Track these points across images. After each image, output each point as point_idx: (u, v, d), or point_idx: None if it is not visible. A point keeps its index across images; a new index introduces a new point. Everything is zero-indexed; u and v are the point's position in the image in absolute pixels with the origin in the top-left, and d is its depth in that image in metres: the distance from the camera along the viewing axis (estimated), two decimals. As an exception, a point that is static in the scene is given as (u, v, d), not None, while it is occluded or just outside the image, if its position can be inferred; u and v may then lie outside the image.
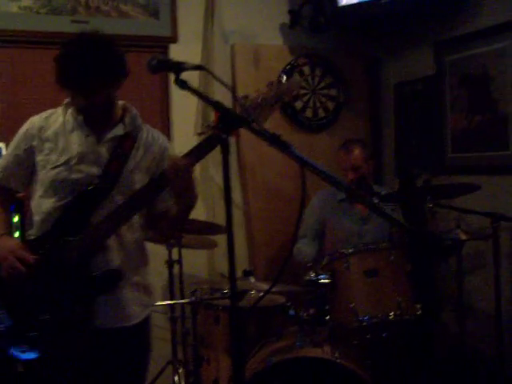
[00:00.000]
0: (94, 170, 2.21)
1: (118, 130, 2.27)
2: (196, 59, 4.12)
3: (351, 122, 4.58)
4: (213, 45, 4.09)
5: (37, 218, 2.24)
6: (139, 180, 2.25)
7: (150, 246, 3.66)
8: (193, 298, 3.21)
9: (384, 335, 3.01)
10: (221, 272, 4.03)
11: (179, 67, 1.78)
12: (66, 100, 2.29)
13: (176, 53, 4.11)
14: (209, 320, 3.31)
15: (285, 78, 1.87)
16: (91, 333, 2.20)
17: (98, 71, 2.12)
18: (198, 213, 4.06)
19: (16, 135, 2.33)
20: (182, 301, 3.44)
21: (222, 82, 1.78)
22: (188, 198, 2.21)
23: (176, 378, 3.64)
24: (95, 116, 2.25)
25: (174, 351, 3.74)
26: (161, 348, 3.99)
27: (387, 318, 2.92)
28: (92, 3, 3.99)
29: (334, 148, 3.93)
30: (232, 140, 4.08)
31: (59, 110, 2.31)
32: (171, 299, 3.67)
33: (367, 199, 1.52)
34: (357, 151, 3.64)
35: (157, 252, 3.78)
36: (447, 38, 3.88)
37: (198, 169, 4.20)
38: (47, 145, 2.23)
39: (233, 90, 1.86)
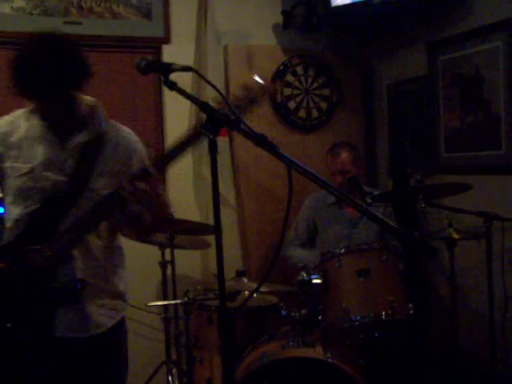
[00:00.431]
0: (61, 178, 2.16)
1: (83, 136, 2.19)
2: (189, 60, 4.12)
3: (344, 122, 4.59)
4: (206, 45, 4.09)
5: (7, 224, 2.20)
6: (107, 184, 2.18)
7: (143, 247, 3.70)
8: (186, 299, 3.22)
9: (376, 335, 3.01)
10: (214, 273, 4.02)
11: (168, 68, 1.78)
12: (31, 104, 2.20)
13: (169, 53, 4.12)
14: (202, 320, 3.31)
15: (256, 78, 1.83)
16: (54, 344, 2.15)
17: (54, 75, 2.01)
18: (192, 213, 4.07)
19: None
20: (175, 301, 3.44)
21: (209, 83, 1.78)
22: (157, 209, 2.16)
23: (170, 379, 3.65)
24: (59, 121, 2.18)
25: (167, 352, 3.74)
26: (154, 348, 4.02)
27: (379, 317, 2.91)
28: (85, 4, 3.99)
29: (327, 148, 3.93)
30: (226, 141, 4.09)
31: (23, 113, 2.23)
32: (164, 300, 3.67)
33: (357, 202, 1.51)
34: (344, 155, 3.65)
35: (150, 253, 3.80)
36: (439, 39, 3.89)
37: (191, 169, 4.23)
38: (12, 152, 2.17)
39: (220, 90, 1.82)
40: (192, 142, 2.05)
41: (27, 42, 2.09)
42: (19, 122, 2.21)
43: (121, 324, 2.36)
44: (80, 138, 2.18)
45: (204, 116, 1.84)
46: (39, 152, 2.16)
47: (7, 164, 2.18)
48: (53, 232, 2.10)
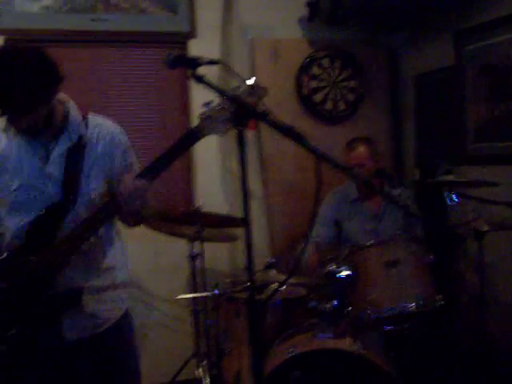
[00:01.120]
0: (51, 188, 2.15)
1: (64, 143, 2.17)
2: (215, 54, 4.13)
3: (371, 114, 4.57)
4: (232, 39, 4.10)
5: (8, 237, 2.19)
6: (98, 185, 2.20)
7: (172, 241, 3.74)
8: (215, 292, 3.23)
9: (405, 327, 3.00)
10: (242, 265, 4.06)
11: (195, 62, 1.80)
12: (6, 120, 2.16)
13: (195, 48, 4.14)
14: (231, 313, 3.34)
15: (247, 84, 1.79)
16: (63, 347, 2.19)
17: (27, 88, 1.95)
18: (219, 206, 4.10)
19: None
20: (205, 294, 3.47)
21: (237, 75, 1.79)
22: (136, 216, 2.16)
23: (199, 371, 3.68)
24: (37, 132, 2.14)
25: (196, 344, 3.77)
26: (184, 341, 4.06)
27: (408, 309, 2.90)
28: (111, 0, 4.03)
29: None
30: (253, 134, 4.10)
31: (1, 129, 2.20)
32: (193, 293, 3.70)
33: (382, 190, 1.52)
34: (361, 149, 3.61)
35: (179, 246, 3.83)
36: (467, 27, 3.83)
37: (218, 162, 4.25)
38: None
39: (248, 83, 1.83)
40: (183, 148, 2.06)
41: None
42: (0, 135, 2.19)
43: (125, 317, 2.38)
44: (62, 145, 2.17)
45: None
46: (25, 166, 2.15)
47: None
48: (51, 240, 2.11)
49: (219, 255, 4.17)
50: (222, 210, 4.07)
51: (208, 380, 3.58)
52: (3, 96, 1.95)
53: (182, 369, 3.81)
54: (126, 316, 2.39)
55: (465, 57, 3.85)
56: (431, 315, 3.03)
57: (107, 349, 2.29)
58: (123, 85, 4.15)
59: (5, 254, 2.15)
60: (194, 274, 3.73)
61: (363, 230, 3.62)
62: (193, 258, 3.70)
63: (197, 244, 3.63)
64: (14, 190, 2.14)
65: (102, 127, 2.28)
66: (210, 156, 4.25)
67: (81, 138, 2.20)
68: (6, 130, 2.18)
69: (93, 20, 3.99)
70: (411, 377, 3.15)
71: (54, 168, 2.16)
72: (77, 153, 2.17)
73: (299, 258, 1.58)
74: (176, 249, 3.92)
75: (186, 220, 3.55)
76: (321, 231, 3.71)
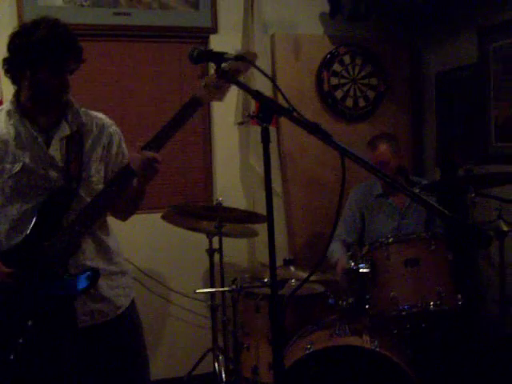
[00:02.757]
0: (53, 173, 2.18)
1: (64, 130, 2.22)
2: (236, 49, 4.13)
3: (392, 112, 4.55)
4: (253, 35, 4.09)
5: (5, 226, 2.20)
6: (96, 171, 2.27)
7: (191, 235, 3.76)
8: (233, 287, 3.24)
9: (424, 325, 2.99)
10: (261, 261, 4.06)
11: (220, 57, 1.80)
12: (7, 105, 2.23)
13: (216, 43, 4.15)
14: (249, 308, 3.35)
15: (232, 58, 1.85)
16: (78, 334, 2.21)
17: (66, 42, 2.10)
18: (239, 202, 4.11)
19: None
20: (223, 289, 3.48)
21: (262, 72, 1.78)
22: (149, 180, 2.19)
23: (216, 365, 3.69)
24: (45, 107, 2.19)
25: (214, 339, 3.79)
26: (201, 335, 4.08)
27: (427, 307, 2.89)
28: (134, -5, 4.04)
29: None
30: (272, 129, 4.10)
31: (2, 112, 2.22)
32: (212, 287, 3.72)
33: (407, 187, 1.51)
34: (384, 146, 3.57)
35: (197, 241, 3.85)
36: (491, 24, 3.79)
37: (238, 157, 4.26)
38: None
39: (273, 79, 1.86)
40: (186, 116, 2.12)
41: (34, 21, 2.12)
42: None
43: (133, 305, 2.42)
44: (62, 131, 2.22)
45: (252, 106, 1.92)
46: (27, 151, 2.17)
47: None
48: (57, 228, 2.14)
49: (238, 250, 4.19)
50: (241, 205, 4.08)
51: (225, 375, 3.60)
52: (44, 45, 2.05)
53: (199, 363, 3.83)
54: (134, 304, 2.43)
55: (489, 54, 3.82)
56: (450, 314, 3.02)
57: (119, 335, 2.34)
58: (144, 79, 4.16)
59: (8, 245, 2.17)
60: (212, 269, 3.75)
61: (387, 226, 3.61)
62: (212, 252, 3.72)
63: (216, 239, 3.64)
64: (15, 174, 2.15)
65: (98, 118, 2.35)
66: (230, 151, 4.26)
67: (80, 126, 2.25)
68: (9, 114, 2.20)
69: (115, 14, 4.00)
70: (429, 376, 3.14)
71: (55, 152, 2.19)
72: (76, 140, 2.22)
73: (323, 254, 1.58)
74: (195, 244, 3.93)
75: (205, 215, 3.56)
76: (346, 226, 3.69)
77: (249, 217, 3.65)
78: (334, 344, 2.87)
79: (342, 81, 4.42)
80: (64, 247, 2.12)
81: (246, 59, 1.82)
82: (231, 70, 1.92)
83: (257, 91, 1.71)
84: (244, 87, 1.78)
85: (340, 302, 3.02)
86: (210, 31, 4.19)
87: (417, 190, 3.55)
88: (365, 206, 3.71)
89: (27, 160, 2.16)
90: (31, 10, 3.81)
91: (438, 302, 2.89)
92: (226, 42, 4.14)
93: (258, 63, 4.10)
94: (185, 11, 4.14)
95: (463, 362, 3.45)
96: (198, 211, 3.62)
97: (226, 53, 1.81)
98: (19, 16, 3.78)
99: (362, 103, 4.47)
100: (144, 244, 4.02)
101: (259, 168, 4.01)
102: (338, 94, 4.41)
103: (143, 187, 2.25)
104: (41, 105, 2.19)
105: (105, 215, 2.34)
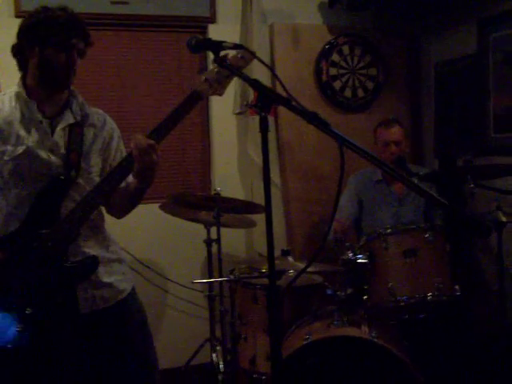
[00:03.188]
0: (54, 159, 2.19)
1: (69, 119, 2.24)
2: (235, 39, 4.11)
3: (391, 102, 4.54)
4: (251, 25, 4.07)
5: (1, 212, 2.19)
6: (95, 163, 2.29)
7: (188, 225, 3.75)
8: (231, 277, 3.24)
9: (421, 316, 2.99)
10: (259, 251, 4.06)
11: (218, 46, 1.79)
12: (13, 88, 2.25)
13: (215, 33, 4.12)
14: (246, 298, 3.34)
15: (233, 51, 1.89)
16: (79, 321, 2.22)
17: (74, 20, 2.17)
18: (237, 192, 4.10)
19: None
20: (221, 279, 3.48)
21: (261, 61, 1.78)
22: (149, 176, 2.15)
23: (214, 356, 3.70)
24: (51, 90, 2.22)
25: (211, 329, 3.79)
26: (199, 326, 4.08)
27: (425, 298, 2.89)
28: (131, -17, 4.01)
29: (373, 128, 3.89)
30: (270, 119, 4.09)
31: (5, 96, 2.24)
32: (209, 278, 3.72)
33: (406, 177, 1.50)
34: (398, 127, 3.64)
35: (195, 231, 3.84)
36: (491, 14, 3.78)
37: (236, 148, 4.25)
38: (0, 135, 2.16)
39: (272, 69, 1.86)
40: (186, 111, 2.16)
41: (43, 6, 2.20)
42: (3, 103, 2.22)
43: (134, 292, 2.43)
44: (66, 120, 2.24)
45: (250, 96, 1.93)
46: (31, 134, 2.18)
47: None
48: (55, 216, 2.15)
49: (236, 241, 4.19)
50: (239, 196, 4.07)
51: (222, 365, 3.61)
52: (55, 21, 2.12)
53: (196, 353, 3.84)
54: (134, 291, 2.44)
55: (488, 45, 3.80)
56: (448, 305, 3.02)
57: (123, 321, 2.35)
58: (142, 68, 4.14)
59: (5, 231, 2.16)
60: (210, 259, 3.75)
61: (386, 213, 3.62)
62: (209, 243, 3.72)
63: (214, 229, 3.64)
64: (17, 157, 2.15)
65: (99, 113, 2.39)
66: (228, 141, 4.25)
67: (85, 116, 2.29)
68: (17, 95, 2.20)
69: (113, 3, 3.98)
70: (426, 366, 3.14)
71: (58, 139, 2.21)
72: (77, 130, 2.24)
73: (322, 243, 1.57)
74: (193, 234, 3.93)
75: (203, 205, 3.55)
76: (344, 209, 3.69)
77: (247, 207, 3.64)
78: (331, 334, 2.87)
79: (341, 71, 4.41)
80: (64, 235, 2.13)
81: (244, 48, 1.82)
82: (232, 65, 1.93)
83: (256, 80, 1.69)
84: (243, 76, 1.77)
85: (338, 292, 3.02)
86: (208, 21, 4.17)
87: (415, 181, 3.56)
88: (364, 193, 3.72)
89: (31, 143, 2.16)
90: (28, -2, 3.78)
91: (436, 293, 2.89)
92: (224, 31, 4.11)
93: (256, 53, 4.09)
94: (183, 0, 4.12)
95: (461, 353, 3.46)
96: (196, 201, 3.61)
97: (225, 41, 1.80)
98: (16, 5, 3.75)
99: (360, 94, 4.46)
100: (142, 234, 4.01)
101: (257, 158, 4.01)
102: (337, 84, 4.39)
103: (142, 184, 2.19)
104: (48, 86, 2.20)
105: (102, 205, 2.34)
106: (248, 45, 4.04)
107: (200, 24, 4.18)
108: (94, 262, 2.20)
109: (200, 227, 3.73)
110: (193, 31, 4.14)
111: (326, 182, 4.30)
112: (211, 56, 1.84)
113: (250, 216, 3.69)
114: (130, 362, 2.35)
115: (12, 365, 2.13)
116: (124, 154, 2.37)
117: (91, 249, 2.26)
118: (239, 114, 4.15)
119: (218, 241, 3.61)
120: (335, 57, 4.39)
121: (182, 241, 4.12)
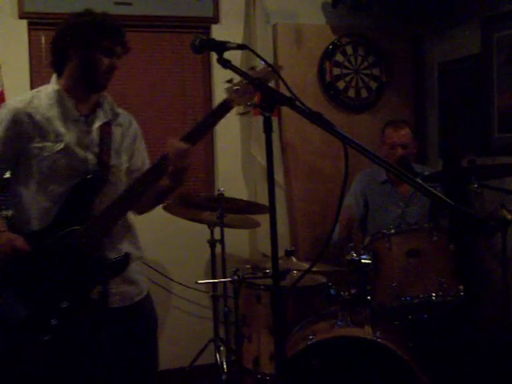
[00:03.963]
0: (90, 156, 2.25)
1: (102, 117, 2.32)
2: (238, 40, 4.12)
3: (394, 102, 4.53)
4: (255, 25, 4.07)
5: (34, 207, 2.23)
6: (124, 161, 2.37)
7: (192, 226, 3.75)
8: (235, 277, 3.24)
9: (425, 317, 2.99)
10: (262, 251, 4.06)
11: (222, 46, 1.79)
12: (51, 86, 2.30)
13: (218, 33, 4.13)
14: (250, 299, 3.34)
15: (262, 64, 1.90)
16: (110, 314, 2.26)
17: (118, 28, 2.29)
18: (240, 192, 4.10)
19: None
20: (224, 279, 3.48)
21: (265, 62, 1.78)
22: (182, 177, 2.24)
23: (218, 356, 3.70)
24: (88, 92, 2.30)
25: (215, 329, 3.79)
26: (203, 326, 4.08)
27: (429, 298, 2.88)
28: (135, -16, 4.02)
29: (376, 128, 3.89)
30: (274, 120, 4.08)
31: (41, 93, 2.29)
32: (213, 278, 3.71)
33: (412, 178, 1.50)
34: (407, 129, 3.61)
35: (199, 231, 3.84)
36: (495, 14, 3.77)
37: (239, 148, 4.25)
38: (38, 132, 2.21)
39: (276, 69, 1.86)
40: (218, 117, 2.18)
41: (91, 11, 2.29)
42: (40, 100, 2.26)
43: (148, 291, 2.52)
44: (100, 118, 2.32)
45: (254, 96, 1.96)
46: (69, 130, 2.23)
47: (33, 144, 2.21)
48: (88, 212, 2.20)
49: (239, 241, 4.18)
50: (243, 196, 4.07)
51: (226, 365, 3.61)
52: (110, 29, 2.24)
53: (200, 353, 3.84)
54: (149, 294, 2.52)
55: (492, 45, 3.79)
56: (452, 305, 3.01)
57: (142, 318, 2.44)
58: (145, 69, 4.15)
59: (39, 226, 2.22)
60: (214, 260, 3.75)
61: (391, 213, 3.60)
62: (213, 243, 3.72)
63: (217, 229, 3.64)
64: (56, 153, 2.20)
65: (124, 113, 2.47)
66: (231, 141, 4.25)
67: (115, 115, 2.37)
68: (58, 92, 2.25)
69: (116, 4, 3.98)
70: (430, 367, 3.13)
71: (94, 136, 2.28)
72: (107, 129, 2.31)
73: (326, 243, 1.57)
74: (196, 234, 3.93)
75: (207, 205, 3.55)
76: (349, 209, 3.66)
77: (250, 207, 3.64)
78: (335, 335, 2.86)
79: (345, 71, 4.40)
80: (98, 232, 2.19)
81: (247, 48, 1.82)
82: (259, 79, 1.93)
83: (259, 80, 1.69)
84: (247, 77, 1.77)
85: (342, 292, 3.01)
86: (211, 21, 4.17)
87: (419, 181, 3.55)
88: (369, 193, 3.70)
89: (69, 140, 2.22)
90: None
91: (440, 293, 2.89)
92: (227, 32, 4.12)
93: (259, 53, 4.09)
94: (186, 1, 4.12)
95: (465, 354, 3.45)
96: (200, 202, 3.61)
97: (229, 42, 1.80)
98: (19, 6, 3.76)
99: (364, 94, 4.46)
100: (145, 235, 3.95)
101: (261, 158, 4.01)
102: (341, 84, 4.39)
103: (174, 184, 2.26)
104: (87, 87, 2.28)
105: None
106: (251, 45, 4.04)
107: (203, 24, 4.18)
108: (128, 258, 2.27)
109: (203, 228, 3.73)
110: (196, 32, 4.14)
111: (329, 182, 4.30)
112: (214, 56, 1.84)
113: (253, 216, 3.69)
114: (137, 362, 2.41)
115: (47, 357, 2.19)
116: (145, 154, 2.48)
117: (123, 246, 2.33)
118: (243, 114, 4.15)
119: (222, 241, 3.61)
120: (339, 57, 4.38)
121: (185, 241, 4.12)
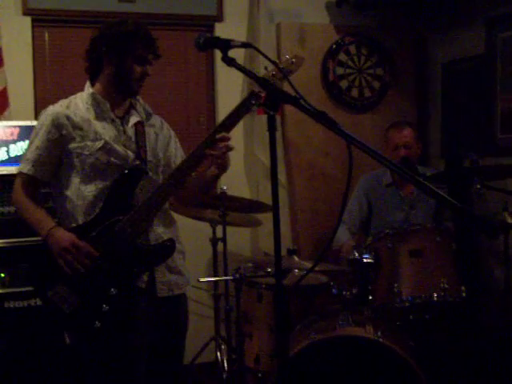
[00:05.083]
0: (129, 153, 2.34)
1: (136, 117, 2.42)
2: (241, 38, 4.11)
3: (397, 102, 4.53)
4: (258, 24, 4.07)
5: (80, 203, 2.30)
6: (161, 159, 2.47)
7: (194, 224, 3.75)
8: (236, 276, 3.23)
9: (427, 317, 2.99)
10: (264, 250, 4.06)
11: (227, 44, 1.80)
12: (85, 92, 2.38)
13: (221, 32, 4.12)
14: (252, 297, 3.34)
15: (288, 55, 1.96)
16: (155, 302, 2.34)
17: (150, 37, 2.40)
18: (243, 191, 4.09)
19: (38, 127, 2.34)
20: (226, 278, 3.48)
21: (270, 60, 1.78)
22: (226, 162, 2.37)
23: (218, 354, 3.70)
24: (121, 96, 2.39)
25: (216, 327, 3.79)
26: (204, 324, 4.07)
27: (431, 299, 2.89)
28: (139, -18, 4.02)
29: (379, 128, 3.89)
30: (277, 119, 4.08)
31: (77, 99, 2.38)
32: (215, 276, 3.71)
33: (418, 178, 1.50)
34: (409, 130, 3.60)
35: (201, 229, 3.84)
36: (499, 14, 3.77)
37: (242, 147, 4.24)
38: (78, 132, 2.30)
39: (280, 68, 1.87)
40: (246, 108, 2.29)
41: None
42: (74, 105, 2.36)
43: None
44: (134, 118, 2.42)
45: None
46: (106, 129, 2.33)
47: (74, 144, 2.30)
48: (128, 205, 2.27)
49: (241, 240, 4.18)
50: (245, 194, 4.07)
51: (227, 364, 3.61)
52: (146, 39, 2.35)
53: (201, 352, 3.83)
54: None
55: (496, 45, 3.79)
56: (454, 306, 3.01)
57: (183, 310, 2.53)
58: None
59: (84, 221, 2.30)
60: (215, 258, 3.75)
61: (395, 216, 3.59)
62: (215, 241, 3.71)
63: (219, 228, 3.64)
64: (97, 151, 2.28)
65: (160, 120, 2.57)
66: (234, 140, 4.21)
67: (148, 115, 2.48)
68: (93, 96, 2.34)
69: (120, 1, 3.99)
70: (431, 367, 3.13)
71: (130, 135, 2.37)
72: (141, 129, 2.42)
73: (330, 241, 1.57)
74: (199, 232, 3.93)
75: (209, 204, 3.55)
76: (352, 213, 3.68)
77: (253, 206, 3.64)
78: (336, 334, 2.86)
79: (348, 71, 4.40)
80: (142, 220, 2.25)
81: (252, 46, 1.83)
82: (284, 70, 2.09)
83: (264, 79, 1.70)
84: (251, 75, 1.76)
85: (343, 292, 3.01)
86: (215, 19, 4.17)
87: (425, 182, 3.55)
88: (373, 196, 3.68)
89: (108, 138, 2.31)
90: (36, -4, 3.79)
91: (442, 294, 2.89)
92: (231, 30, 4.11)
93: (262, 51, 4.09)
94: (190, -1, 4.13)
95: (466, 354, 3.44)
96: (202, 200, 3.61)
97: (233, 40, 1.80)
98: (23, 2, 3.76)
99: (367, 93, 4.45)
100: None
101: (263, 157, 4.00)
102: (344, 84, 4.39)
103: (219, 170, 2.38)
104: (120, 92, 2.37)
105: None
106: (255, 44, 4.03)
107: (207, 22, 4.18)
108: (172, 244, 2.33)
109: (206, 226, 3.73)
110: (199, 30, 4.14)
111: (332, 181, 4.30)
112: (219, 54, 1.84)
113: (255, 215, 3.69)
114: (169, 356, 2.50)
115: (97, 342, 2.26)
116: (183, 153, 2.57)
117: (167, 236, 2.38)
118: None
119: (224, 239, 3.60)
120: (342, 56, 4.38)
121: (187, 239, 4.08)
